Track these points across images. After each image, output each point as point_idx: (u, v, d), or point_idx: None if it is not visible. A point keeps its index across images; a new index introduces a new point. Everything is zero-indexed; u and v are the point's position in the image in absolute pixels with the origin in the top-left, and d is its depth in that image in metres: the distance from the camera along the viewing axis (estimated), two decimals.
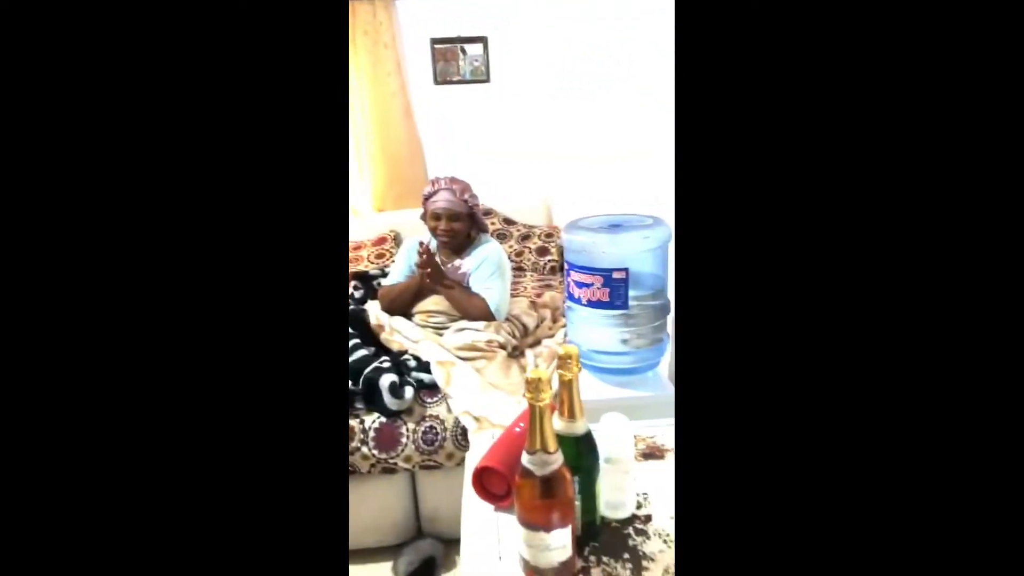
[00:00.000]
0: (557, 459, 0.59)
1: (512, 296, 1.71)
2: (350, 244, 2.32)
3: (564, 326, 1.63)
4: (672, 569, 0.63)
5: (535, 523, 0.59)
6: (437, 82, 2.44)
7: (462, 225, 1.60)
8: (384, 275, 1.91)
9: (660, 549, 0.66)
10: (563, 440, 0.62)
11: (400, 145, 2.45)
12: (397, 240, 2.29)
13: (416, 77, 2.43)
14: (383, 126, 2.41)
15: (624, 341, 1.08)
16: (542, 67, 2.43)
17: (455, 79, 2.45)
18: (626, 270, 1.02)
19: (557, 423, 0.63)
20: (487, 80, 2.45)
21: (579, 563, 0.64)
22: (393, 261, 1.96)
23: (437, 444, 1.32)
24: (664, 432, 0.89)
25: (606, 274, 1.02)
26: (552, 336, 1.63)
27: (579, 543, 0.65)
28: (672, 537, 0.68)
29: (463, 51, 2.41)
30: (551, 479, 0.58)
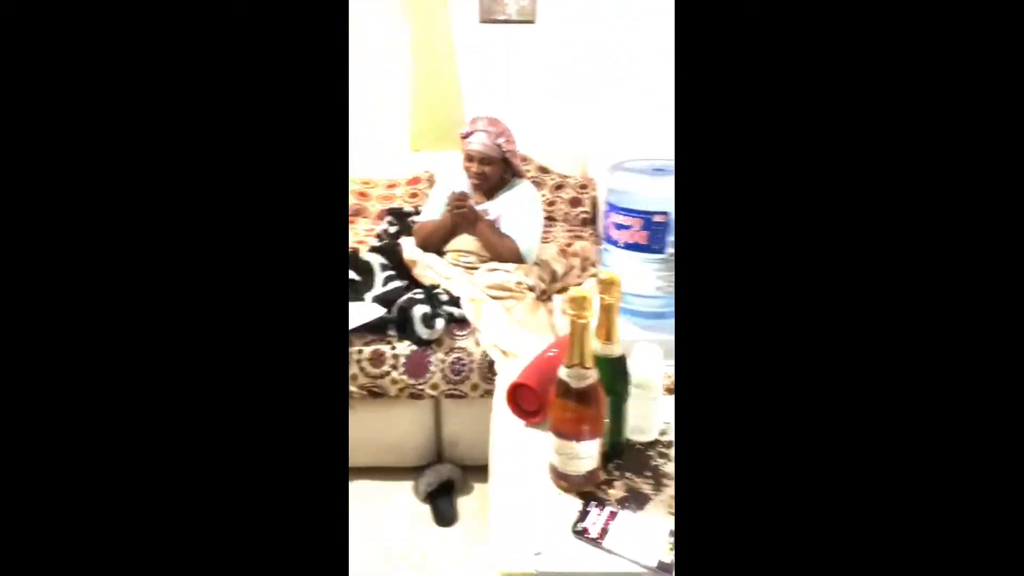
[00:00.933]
0: (592, 374, 0.62)
1: (543, 243, 1.72)
2: (385, 182, 2.33)
3: (593, 276, 1.64)
4: None
5: (567, 433, 0.63)
6: (482, 20, 2.38)
7: (494, 169, 1.60)
8: (418, 213, 1.93)
9: None
10: (599, 361, 0.64)
11: (441, 85, 2.42)
12: (431, 181, 2.29)
13: (461, 14, 2.37)
14: (425, 64, 2.38)
15: (659, 288, 1.09)
16: (590, 12, 2.35)
17: (500, 18, 2.38)
18: (667, 214, 1.02)
19: (594, 344, 0.66)
20: (533, 21, 2.38)
21: (603, 475, 0.68)
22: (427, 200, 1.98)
23: (464, 375, 1.37)
24: None
25: (646, 217, 1.02)
26: (580, 285, 1.65)
27: (605, 459, 0.68)
28: None
29: None
30: (585, 392, 0.61)
